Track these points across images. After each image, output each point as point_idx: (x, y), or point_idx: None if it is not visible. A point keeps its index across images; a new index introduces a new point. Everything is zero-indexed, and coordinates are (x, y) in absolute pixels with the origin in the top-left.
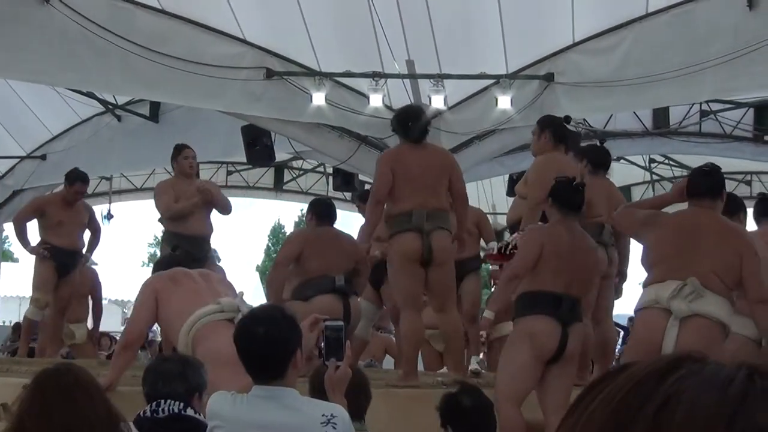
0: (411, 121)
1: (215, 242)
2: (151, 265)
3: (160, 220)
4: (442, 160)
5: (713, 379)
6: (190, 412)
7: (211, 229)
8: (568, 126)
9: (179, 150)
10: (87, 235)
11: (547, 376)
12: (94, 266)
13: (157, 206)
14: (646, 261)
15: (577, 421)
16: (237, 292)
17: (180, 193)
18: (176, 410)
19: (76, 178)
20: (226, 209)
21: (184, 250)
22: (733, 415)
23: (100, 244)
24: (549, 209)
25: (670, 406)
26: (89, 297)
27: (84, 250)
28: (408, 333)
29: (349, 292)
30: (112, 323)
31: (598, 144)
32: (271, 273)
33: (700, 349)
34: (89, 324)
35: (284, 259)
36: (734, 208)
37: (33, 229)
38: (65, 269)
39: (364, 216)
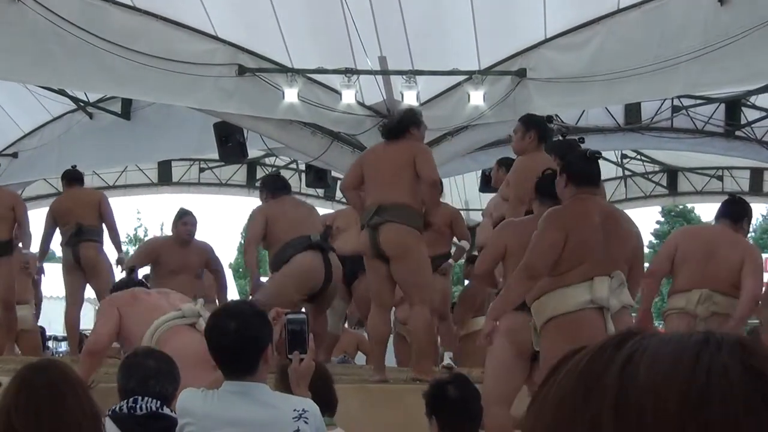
0: (386, 120)
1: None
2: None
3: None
4: (404, 152)
5: (673, 336)
6: (166, 410)
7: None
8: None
9: (181, 215)
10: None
11: (533, 374)
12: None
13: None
14: None
15: (547, 393)
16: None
17: (167, 257)
18: (154, 408)
19: None
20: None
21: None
22: (697, 355)
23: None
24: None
25: (633, 361)
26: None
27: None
28: (369, 329)
29: (326, 247)
30: (85, 321)
31: (561, 138)
32: (245, 255)
33: None
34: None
35: (252, 237)
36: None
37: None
38: None
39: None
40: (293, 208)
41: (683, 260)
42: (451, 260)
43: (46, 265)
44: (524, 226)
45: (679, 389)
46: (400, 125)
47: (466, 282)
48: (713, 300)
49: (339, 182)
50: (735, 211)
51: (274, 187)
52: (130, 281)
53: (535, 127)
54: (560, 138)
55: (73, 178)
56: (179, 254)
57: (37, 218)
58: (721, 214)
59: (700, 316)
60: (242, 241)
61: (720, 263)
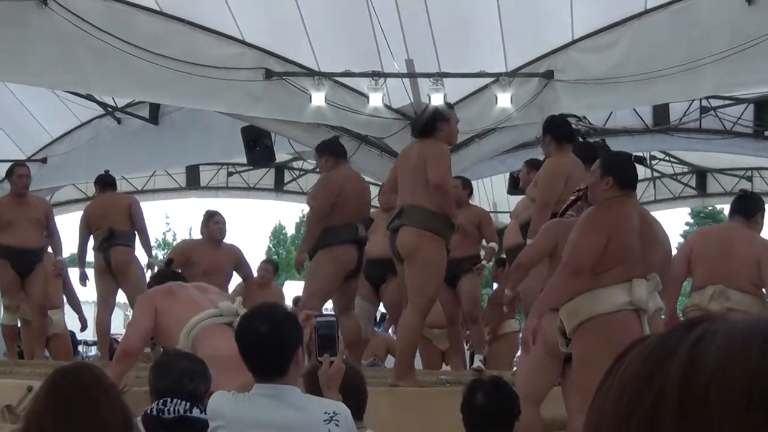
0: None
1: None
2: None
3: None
4: (417, 154)
5: (743, 320)
6: (195, 412)
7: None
8: (570, 125)
9: (211, 215)
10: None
11: (567, 374)
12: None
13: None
14: None
15: (613, 380)
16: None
17: (199, 257)
18: (182, 411)
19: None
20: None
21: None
22: (766, 337)
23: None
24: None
25: (703, 342)
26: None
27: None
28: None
29: (365, 242)
30: (115, 326)
31: (581, 140)
32: (312, 224)
33: None
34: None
35: (326, 207)
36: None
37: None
38: (24, 268)
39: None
40: (359, 184)
41: (698, 259)
42: (483, 262)
43: (72, 270)
44: (571, 229)
45: (747, 369)
46: (427, 123)
47: (495, 285)
48: (727, 296)
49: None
50: (747, 207)
51: (338, 150)
52: (168, 274)
53: (550, 129)
54: (581, 139)
55: (105, 183)
56: (211, 255)
57: (65, 223)
58: (734, 211)
59: None
60: (270, 246)
61: (734, 260)
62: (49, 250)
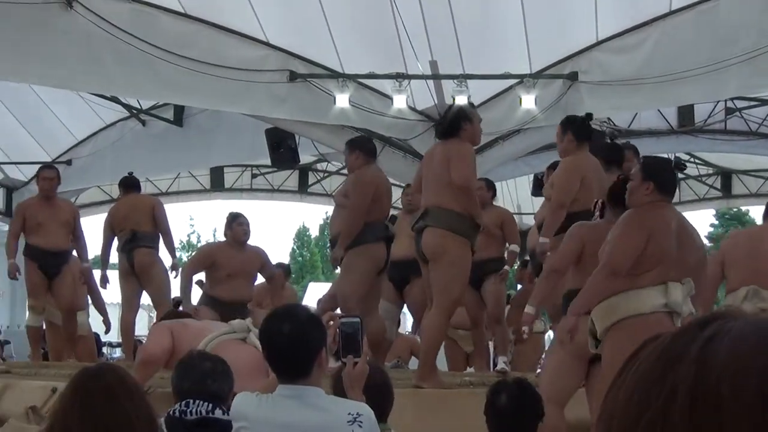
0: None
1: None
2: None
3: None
4: (441, 154)
5: (756, 319)
6: (218, 413)
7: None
8: (590, 124)
9: (234, 217)
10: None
11: (591, 376)
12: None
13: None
14: None
15: (624, 378)
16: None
17: (223, 260)
18: (204, 412)
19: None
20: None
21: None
22: None
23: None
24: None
25: (715, 340)
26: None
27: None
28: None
29: (393, 240)
30: (139, 327)
31: (609, 141)
32: (352, 221)
33: None
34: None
35: (365, 204)
36: None
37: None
38: (51, 270)
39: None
40: (388, 183)
41: (730, 262)
42: (506, 267)
43: (96, 272)
44: (599, 230)
45: (759, 369)
46: (451, 123)
47: (519, 286)
48: (761, 296)
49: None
50: None
51: (370, 148)
52: (177, 313)
53: (571, 127)
54: (609, 141)
55: (129, 184)
56: (235, 258)
57: (90, 225)
58: (766, 214)
59: None
60: (294, 248)
61: (766, 260)
62: (74, 254)
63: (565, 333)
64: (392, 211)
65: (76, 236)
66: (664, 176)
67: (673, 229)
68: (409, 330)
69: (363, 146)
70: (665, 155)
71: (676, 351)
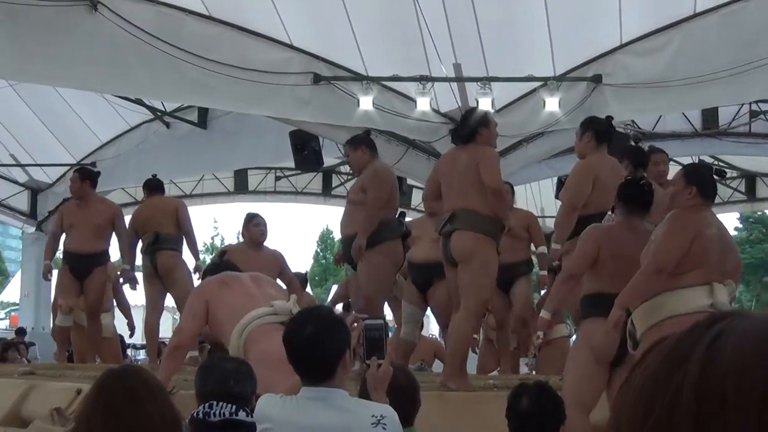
0: (458, 125)
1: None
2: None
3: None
4: (468, 157)
5: (762, 318)
6: (241, 415)
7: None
8: (613, 127)
9: (251, 218)
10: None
11: (613, 379)
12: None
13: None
14: None
15: (634, 379)
16: (288, 294)
17: (240, 261)
18: (227, 414)
19: None
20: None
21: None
22: None
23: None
24: (617, 209)
25: (721, 339)
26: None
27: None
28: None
29: (407, 236)
30: (163, 329)
31: (633, 143)
32: (372, 214)
33: None
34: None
35: (385, 198)
36: None
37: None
38: (82, 272)
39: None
40: (396, 178)
41: None
42: (543, 273)
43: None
44: (613, 233)
45: (764, 367)
46: (468, 128)
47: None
48: None
49: (413, 190)
50: None
51: (373, 144)
52: (222, 264)
53: (591, 127)
54: (633, 144)
55: (153, 187)
56: (253, 259)
57: None
58: None
59: None
60: (318, 250)
61: None
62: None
63: (612, 327)
64: (416, 214)
65: (117, 236)
66: (705, 182)
67: (715, 232)
68: (433, 333)
69: (367, 141)
70: (689, 158)
71: (683, 351)
